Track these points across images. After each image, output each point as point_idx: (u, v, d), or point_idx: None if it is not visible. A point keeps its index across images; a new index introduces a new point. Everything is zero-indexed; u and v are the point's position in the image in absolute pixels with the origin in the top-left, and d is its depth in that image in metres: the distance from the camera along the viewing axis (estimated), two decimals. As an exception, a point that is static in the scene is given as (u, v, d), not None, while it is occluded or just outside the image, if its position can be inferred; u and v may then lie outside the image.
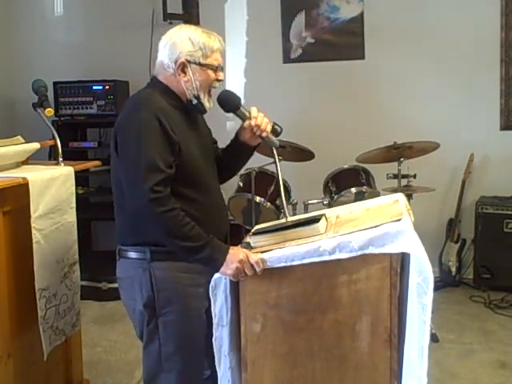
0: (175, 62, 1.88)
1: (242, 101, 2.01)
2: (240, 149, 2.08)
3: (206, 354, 1.97)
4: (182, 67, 1.88)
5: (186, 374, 1.92)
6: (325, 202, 3.53)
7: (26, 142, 2.48)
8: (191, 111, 1.96)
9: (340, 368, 1.76)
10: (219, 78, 1.94)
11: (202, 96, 1.91)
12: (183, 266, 1.84)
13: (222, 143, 2.17)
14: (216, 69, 1.92)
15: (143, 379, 1.97)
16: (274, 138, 2.00)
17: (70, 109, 4.47)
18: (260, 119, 1.96)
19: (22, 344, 2.25)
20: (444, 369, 2.99)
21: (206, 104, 1.93)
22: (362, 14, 4.39)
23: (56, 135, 2.54)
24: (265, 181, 3.44)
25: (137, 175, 1.75)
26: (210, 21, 4.34)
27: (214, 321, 1.81)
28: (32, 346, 2.28)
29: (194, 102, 1.91)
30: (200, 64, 1.88)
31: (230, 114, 2.03)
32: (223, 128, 4.06)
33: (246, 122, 1.98)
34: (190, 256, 1.79)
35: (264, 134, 1.98)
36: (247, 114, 1.98)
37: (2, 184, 2.06)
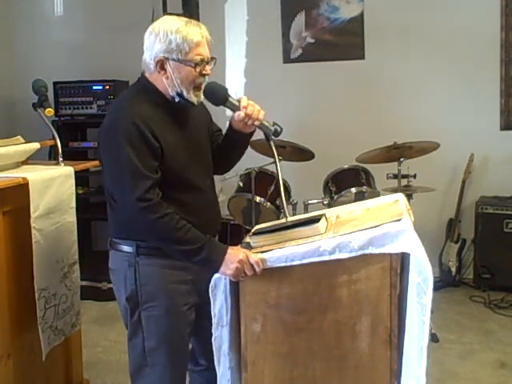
0: (154, 60, 1.83)
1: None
2: (235, 138, 2.02)
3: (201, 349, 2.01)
4: (161, 64, 1.83)
5: (170, 370, 1.92)
6: (325, 202, 3.53)
7: (26, 142, 2.48)
8: (179, 107, 1.89)
9: (340, 368, 1.76)
10: (204, 72, 1.84)
11: (185, 93, 1.84)
12: (168, 262, 1.84)
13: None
14: (198, 64, 1.81)
15: (129, 372, 1.98)
16: (268, 124, 1.92)
17: (70, 109, 4.47)
18: (250, 108, 1.88)
19: (21, 344, 2.25)
20: (444, 369, 2.99)
21: (193, 99, 1.86)
22: (362, 14, 4.39)
23: (56, 135, 2.55)
24: (265, 181, 3.44)
25: (123, 186, 1.75)
26: (210, 21, 4.31)
27: (214, 321, 1.81)
28: (32, 346, 2.28)
29: (177, 99, 1.85)
30: (179, 60, 1.80)
31: (231, 113, 1.99)
32: (223, 127, 4.04)
33: (236, 114, 1.91)
34: (188, 259, 1.79)
35: (257, 123, 1.90)
36: (237, 103, 1.90)
37: (1, 184, 2.06)
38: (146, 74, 1.90)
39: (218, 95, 1.90)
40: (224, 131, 2.13)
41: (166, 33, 1.80)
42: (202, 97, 1.90)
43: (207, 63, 1.86)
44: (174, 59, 1.81)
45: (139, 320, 1.89)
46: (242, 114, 1.89)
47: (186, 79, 1.83)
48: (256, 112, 1.89)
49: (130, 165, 1.74)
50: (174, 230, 1.76)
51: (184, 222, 1.78)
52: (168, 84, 1.85)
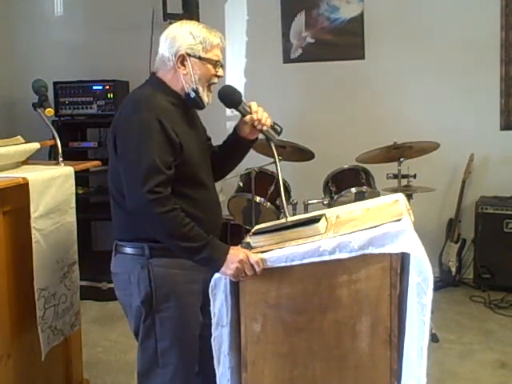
0: (175, 55, 1.88)
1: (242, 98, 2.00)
2: (238, 143, 2.07)
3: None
4: (182, 60, 1.88)
5: (181, 370, 1.93)
6: (325, 202, 3.52)
7: (26, 142, 2.48)
8: (190, 107, 1.96)
9: (340, 368, 1.76)
10: (218, 73, 1.94)
11: (200, 90, 1.90)
12: (180, 262, 1.84)
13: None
14: (215, 64, 1.91)
15: (137, 373, 1.98)
16: (273, 133, 2.00)
17: (70, 109, 4.47)
18: (260, 113, 1.97)
19: (21, 344, 2.25)
20: (444, 369, 2.99)
21: (205, 99, 1.93)
22: (362, 14, 4.39)
23: (56, 135, 2.55)
24: (265, 181, 3.44)
25: (137, 177, 1.76)
26: (210, 21, 4.28)
27: (214, 320, 1.81)
28: (32, 346, 2.28)
29: (192, 95, 1.90)
30: (200, 58, 1.88)
31: (231, 114, 2.03)
32: (223, 128, 4.06)
33: (247, 117, 1.97)
34: (189, 256, 1.80)
35: (265, 128, 1.98)
36: (248, 108, 1.98)
37: (1, 184, 2.06)
38: (160, 73, 1.94)
39: (234, 98, 2.00)
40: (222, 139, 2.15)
41: (189, 30, 1.89)
42: (211, 100, 1.95)
43: (221, 66, 1.95)
44: (195, 56, 1.88)
45: (153, 322, 1.89)
46: (254, 116, 1.96)
47: (204, 76, 1.90)
48: (265, 118, 1.98)
49: (148, 158, 1.75)
50: (179, 226, 1.76)
51: (189, 219, 1.78)
52: (185, 80, 1.90)
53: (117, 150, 1.85)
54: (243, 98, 2.01)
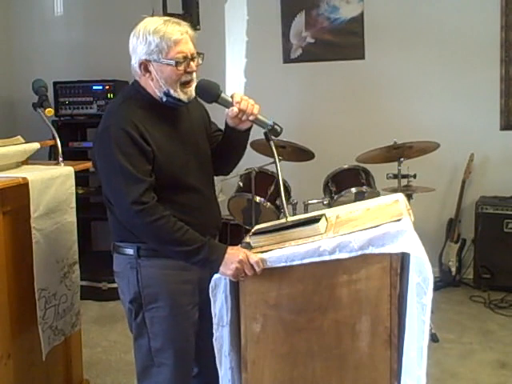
0: (137, 63, 1.84)
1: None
2: (232, 136, 2.00)
3: (195, 350, 2.00)
4: (145, 67, 1.83)
5: (177, 369, 1.93)
6: (325, 202, 3.53)
7: (26, 142, 2.48)
8: (171, 108, 1.89)
9: (340, 368, 1.76)
10: (188, 70, 1.83)
11: (172, 91, 1.83)
12: (170, 263, 1.85)
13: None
14: (180, 62, 1.80)
15: (136, 372, 1.98)
16: (264, 119, 1.90)
17: (70, 109, 4.47)
18: (244, 103, 1.86)
19: (21, 344, 2.25)
20: (444, 369, 2.99)
21: (182, 97, 1.85)
22: (362, 14, 4.39)
23: (56, 135, 2.55)
24: (265, 181, 3.44)
25: (119, 191, 1.77)
26: (210, 21, 4.34)
27: (214, 321, 1.81)
28: (32, 346, 2.28)
29: (165, 99, 1.85)
30: (160, 61, 1.80)
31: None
32: (222, 127, 4.04)
33: (229, 110, 1.89)
34: (187, 260, 1.80)
35: (251, 118, 1.88)
36: (230, 99, 1.89)
37: (1, 184, 2.06)
38: (137, 77, 1.91)
39: (210, 92, 1.89)
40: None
41: (144, 35, 1.81)
42: (193, 94, 1.88)
43: (192, 59, 1.85)
44: (155, 60, 1.81)
45: (143, 321, 1.90)
46: (235, 109, 1.87)
47: (169, 78, 1.82)
48: (250, 107, 1.88)
49: (122, 170, 1.75)
50: (171, 232, 1.76)
51: (181, 223, 1.78)
52: (154, 85, 1.85)
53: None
54: (222, 90, 1.91)
